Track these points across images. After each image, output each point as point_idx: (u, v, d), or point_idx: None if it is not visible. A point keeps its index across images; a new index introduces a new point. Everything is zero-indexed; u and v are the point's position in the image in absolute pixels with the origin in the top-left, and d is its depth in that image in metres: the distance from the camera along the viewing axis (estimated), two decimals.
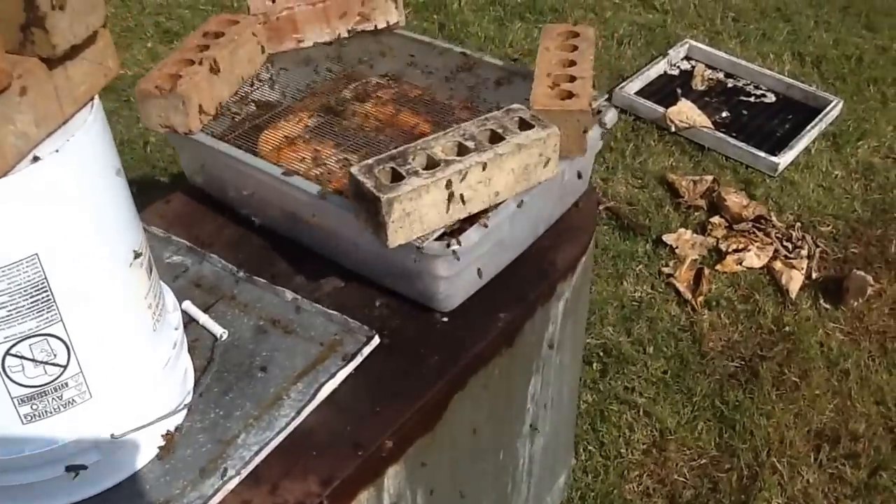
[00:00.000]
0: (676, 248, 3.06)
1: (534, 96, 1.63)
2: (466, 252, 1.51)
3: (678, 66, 4.07)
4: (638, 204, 3.32)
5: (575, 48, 1.78)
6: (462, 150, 1.51)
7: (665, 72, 4.01)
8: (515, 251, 1.71)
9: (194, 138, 1.74)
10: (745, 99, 3.82)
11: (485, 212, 1.55)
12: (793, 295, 2.98)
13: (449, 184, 1.45)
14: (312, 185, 1.59)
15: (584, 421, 2.57)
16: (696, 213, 3.27)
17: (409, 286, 1.62)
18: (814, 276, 3.08)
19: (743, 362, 2.81)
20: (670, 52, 4.04)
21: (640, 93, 3.82)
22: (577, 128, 1.61)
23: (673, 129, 3.57)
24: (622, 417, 2.61)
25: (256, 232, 1.81)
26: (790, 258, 3.10)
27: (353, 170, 1.45)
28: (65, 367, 1.18)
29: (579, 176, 1.79)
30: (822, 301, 3.00)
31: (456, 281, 1.58)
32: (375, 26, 2.09)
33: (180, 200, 1.92)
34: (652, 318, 2.92)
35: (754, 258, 3.06)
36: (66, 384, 1.19)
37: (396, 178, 1.45)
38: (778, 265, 3.02)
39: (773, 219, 3.19)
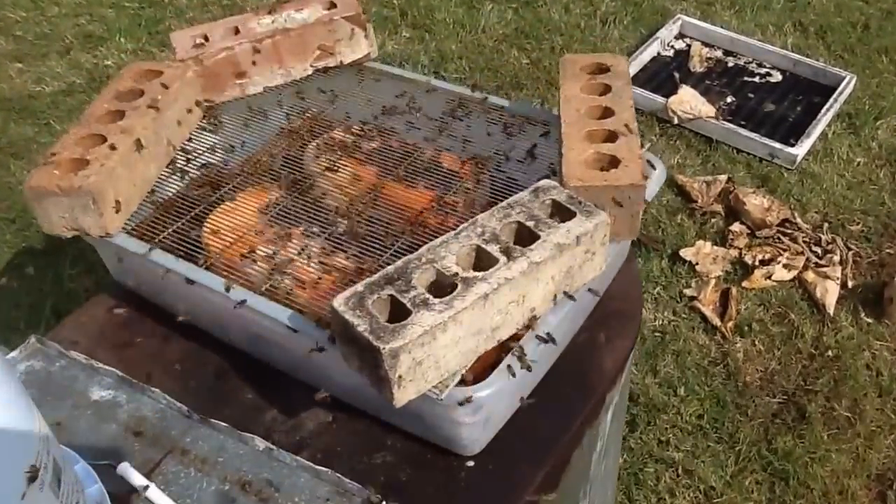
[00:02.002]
0: (697, 264, 2.71)
1: (567, 167, 1.24)
2: (496, 395, 1.13)
3: (672, 46, 3.68)
4: (647, 213, 2.95)
5: (607, 89, 1.39)
6: (483, 259, 1.12)
7: (659, 53, 3.63)
8: (554, 358, 1.33)
9: (114, 242, 1.33)
10: (749, 80, 3.46)
11: (516, 336, 1.16)
12: (830, 310, 2.64)
13: (472, 314, 1.06)
14: (280, 310, 1.19)
15: (618, 489, 2.22)
16: (713, 220, 2.91)
17: (422, 427, 1.24)
18: (850, 284, 2.74)
19: (786, 397, 2.47)
20: (662, 30, 3.65)
21: (634, 81, 3.43)
22: (628, 206, 1.23)
23: (675, 120, 3.21)
24: (660, 480, 2.26)
25: (209, 346, 1.42)
26: (822, 266, 2.74)
27: (337, 303, 1.06)
28: None
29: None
30: (862, 314, 2.67)
31: (483, 422, 1.20)
32: (341, 62, 1.68)
33: (105, 306, 1.51)
34: (678, 351, 2.57)
35: (784, 270, 2.71)
36: None
37: (398, 311, 1.06)
38: (810, 276, 2.68)
39: (799, 221, 2.85)
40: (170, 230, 1.38)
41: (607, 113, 1.34)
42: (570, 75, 1.42)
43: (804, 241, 2.83)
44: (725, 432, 2.39)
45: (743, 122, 3.27)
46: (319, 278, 1.26)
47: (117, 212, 1.34)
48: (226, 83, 1.60)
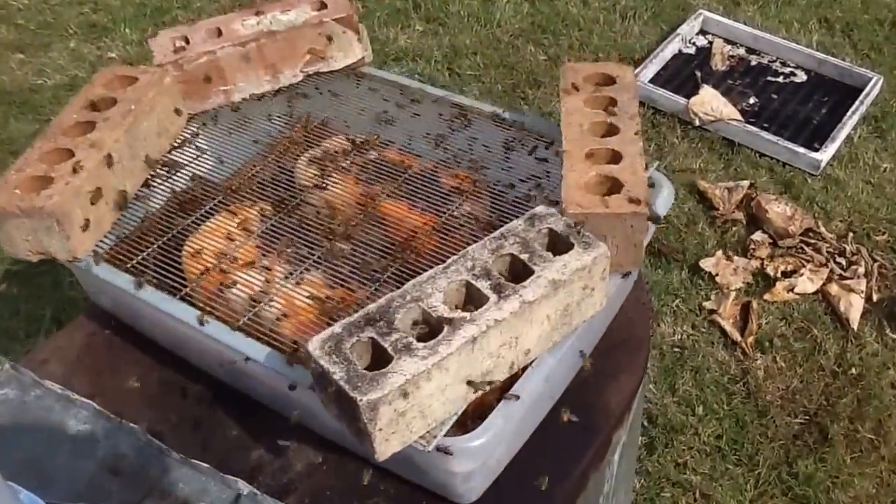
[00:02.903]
0: (717, 275, 2.60)
1: (566, 192, 1.14)
2: (490, 444, 1.03)
3: (694, 43, 3.55)
4: (667, 221, 2.83)
5: (612, 103, 1.29)
6: (473, 296, 1.03)
7: (680, 51, 3.50)
8: (555, 397, 1.24)
9: (83, 268, 1.25)
10: (772, 79, 3.33)
11: (511, 379, 1.07)
12: (854, 325, 2.52)
13: (459, 360, 0.97)
14: (258, 348, 1.11)
15: None
16: (734, 229, 2.79)
17: (414, 473, 1.15)
18: (875, 297, 2.61)
19: (808, 418, 2.36)
20: (684, 27, 3.52)
21: (655, 79, 3.31)
22: (629, 236, 1.13)
23: (697, 122, 3.09)
24: None
25: (191, 375, 1.34)
26: (846, 278, 2.62)
27: (313, 347, 0.97)
28: None
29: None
30: (888, 330, 2.54)
31: (478, 471, 1.10)
32: (334, 67, 1.59)
33: (84, 331, 1.43)
34: (697, 367, 2.46)
35: (807, 282, 2.59)
36: None
37: (379, 356, 0.97)
38: (834, 289, 2.56)
39: (823, 230, 2.73)
40: (146, 253, 1.30)
41: (611, 130, 1.24)
42: (572, 86, 1.32)
43: (828, 252, 2.71)
44: (745, 454, 2.28)
45: (766, 125, 3.14)
46: (305, 308, 1.17)
47: (86, 231, 1.26)
48: (208, 90, 1.51)
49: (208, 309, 1.18)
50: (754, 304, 2.59)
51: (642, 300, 1.39)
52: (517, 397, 1.04)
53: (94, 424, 1.30)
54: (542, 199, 1.22)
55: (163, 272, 1.24)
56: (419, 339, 0.98)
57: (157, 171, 1.40)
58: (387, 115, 1.51)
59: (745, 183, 2.93)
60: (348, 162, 1.39)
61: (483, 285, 1.03)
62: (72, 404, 1.32)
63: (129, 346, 1.40)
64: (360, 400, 0.91)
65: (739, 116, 3.13)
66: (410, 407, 0.95)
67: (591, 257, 1.04)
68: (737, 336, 2.53)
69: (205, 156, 1.44)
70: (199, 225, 1.33)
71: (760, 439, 2.31)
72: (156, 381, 1.35)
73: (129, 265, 1.26)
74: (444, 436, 1.00)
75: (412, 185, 1.34)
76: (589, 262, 1.04)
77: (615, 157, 1.18)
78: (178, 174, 1.41)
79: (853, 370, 2.45)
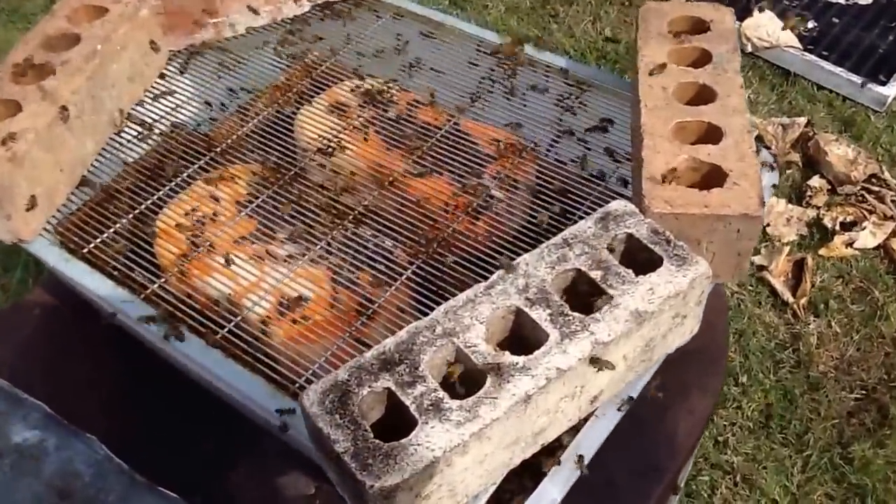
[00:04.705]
0: (768, 225, 2.32)
1: (648, 183, 0.87)
2: None
3: None
4: None
5: (705, 56, 0.99)
6: (525, 328, 0.77)
7: None
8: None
9: (31, 251, 0.99)
10: (833, 1, 2.97)
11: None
12: None
13: (506, 425, 0.72)
14: (242, 375, 0.86)
15: None
16: (788, 172, 2.50)
17: None
18: None
19: (865, 393, 2.12)
20: None
21: None
22: (733, 243, 0.86)
23: (749, 48, 2.77)
24: (715, 491, 1.94)
25: (163, 371, 1.10)
26: None
27: (309, 401, 0.72)
28: None
29: None
30: None
31: None
32: None
33: (39, 308, 1.19)
34: (742, 331, 2.21)
35: (869, 236, 2.31)
36: None
37: (397, 416, 0.72)
38: None
39: (888, 176, 2.44)
40: (109, 231, 1.04)
41: (706, 95, 0.96)
42: (653, 34, 1.02)
43: (893, 202, 2.43)
44: (793, 433, 2.05)
45: (825, 53, 2.82)
46: (304, 316, 0.92)
47: (32, 209, 1.00)
48: (194, 23, 1.22)
49: (181, 312, 0.92)
50: (809, 260, 2.32)
51: (718, 294, 1.13)
52: (580, 460, 0.79)
53: (44, 431, 1.07)
54: (613, 181, 0.95)
55: (128, 258, 0.99)
56: (451, 389, 0.72)
57: (127, 126, 1.12)
58: (411, 57, 1.22)
59: (802, 120, 2.63)
60: (362, 118, 1.11)
61: (540, 315, 0.76)
62: (18, 404, 1.09)
63: (90, 331, 1.15)
64: (371, 487, 0.66)
65: (797, 43, 2.81)
66: (437, 487, 0.70)
67: (687, 280, 0.78)
68: (788, 296, 2.28)
69: (186, 107, 1.17)
70: (175, 194, 1.06)
71: (811, 416, 2.08)
72: (121, 377, 1.11)
73: (85, 249, 1.00)
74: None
75: (442, 151, 1.07)
76: (685, 286, 0.77)
77: (713, 134, 0.90)
78: (153, 130, 1.13)
79: None
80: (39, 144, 1.00)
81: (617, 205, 0.85)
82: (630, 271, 0.79)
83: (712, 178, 0.87)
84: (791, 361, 2.20)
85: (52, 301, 1.21)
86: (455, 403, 0.71)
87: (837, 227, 2.41)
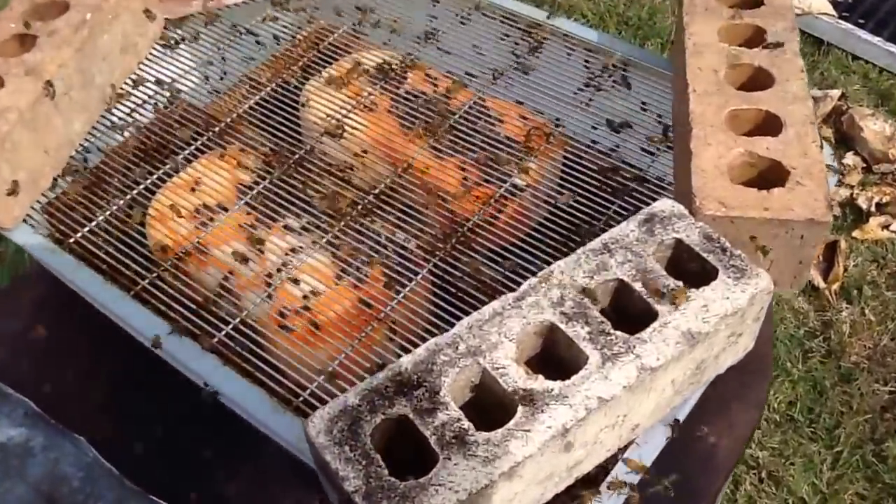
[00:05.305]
0: None
1: (699, 179, 0.77)
2: None
3: None
4: None
5: (760, 34, 0.89)
6: (560, 346, 0.67)
7: None
8: None
9: (13, 239, 0.90)
10: None
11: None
12: None
13: (541, 462, 0.63)
14: (239, 385, 0.77)
15: None
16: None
17: None
18: None
19: None
20: None
21: None
22: (796, 250, 0.76)
23: None
24: (739, 487, 1.86)
25: (161, 368, 1.00)
26: None
27: (314, 430, 0.63)
28: None
29: None
30: None
31: None
32: None
33: (29, 294, 1.10)
34: (769, 317, 2.11)
35: None
36: None
37: (413, 443, 0.63)
38: None
39: None
40: (98, 219, 0.95)
41: (762, 79, 0.85)
42: (700, 9, 0.91)
43: None
44: (822, 427, 1.96)
45: (861, 21, 2.71)
46: (309, 319, 0.83)
47: (13, 194, 0.90)
48: None
49: (174, 312, 0.84)
50: (842, 243, 2.23)
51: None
52: (625, 488, 0.70)
53: (31, 429, 1.00)
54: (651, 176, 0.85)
55: (119, 249, 0.89)
56: (475, 414, 0.63)
57: (118, 103, 1.03)
58: (429, 27, 1.11)
59: (835, 92, 2.53)
60: (374, 95, 1.01)
61: (578, 333, 0.67)
62: (5, 401, 1.01)
63: (87, 316, 1.05)
64: None
65: (831, 10, 2.71)
66: None
67: (746, 295, 0.68)
68: (819, 281, 2.19)
69: (183, 80, 1.07)
70: (170, 177, 0.97)
71: (842, 409, 2.00)
72: (116, 375, 1.02)
73: (73, 238, 0.91)
74: None
75: (463, 133, 0.96)
76: (744, 303, 0.68)
77: (771, 124, 0.80)
78: (146, 107, 1.03)
79: None
80: (22, 124, 0.91)
81: (663, 205, 0.75)
82: (680, 284, 0.70)
83: (771, 175, 0.77)
84: (821, 351, 2.10)
85: (46, 285, 1.13)
86: (482, 436, 0.62)
87: (873, 208, 2.32)
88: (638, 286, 0.70)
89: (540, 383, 0.65)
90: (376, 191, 0.94)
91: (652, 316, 0.68)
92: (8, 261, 2.11)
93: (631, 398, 0.66)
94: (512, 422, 0.63)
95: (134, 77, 1.08)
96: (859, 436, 1.96)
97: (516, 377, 0.65)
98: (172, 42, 1.12)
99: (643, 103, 1.00)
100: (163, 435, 1.02)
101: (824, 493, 1.88)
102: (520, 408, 0.64)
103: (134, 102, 1.06)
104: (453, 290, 0.85)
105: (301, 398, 0.80)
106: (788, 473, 1.90)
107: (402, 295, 0.85)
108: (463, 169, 0.94)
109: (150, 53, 1.10)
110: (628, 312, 0.70)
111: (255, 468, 0.98)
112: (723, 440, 0.96)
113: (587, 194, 0.91)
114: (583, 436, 0.65)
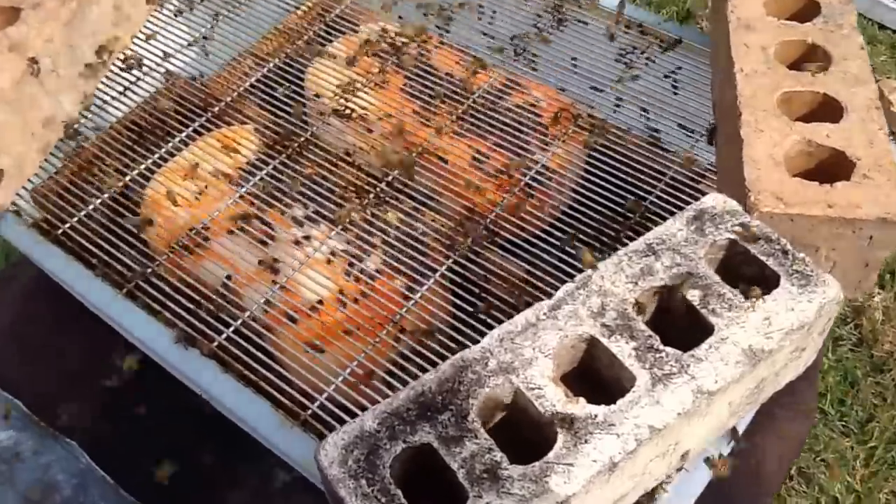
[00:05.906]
0: None
1: (752, 171, 0.68)
2: None
3: None
4: None
5: (814, 8, 0.80)
6: (602, 366, 0.59)
7: None
8: None
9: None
10: None
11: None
12: None
13: (584, 499, 0.55)
14: (241, 395, 0.70)
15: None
16: None
17: None
18: None
19: None
20: None
21: None
22: (862, 252, 0.67)
23: None
24: None
25: (158, 367, 0.93)
26: None
27: (327, 459, 0.56)
28: None
29: None
30: None
31: None
32: None
33: (23, 280, 1.03)
34: None
35: None
36: None
37: (437, 467, 0.55)
38: None
39: None
40: (89, 208, 0.87)
41: (817, 58, 0.76)
42: None
43: None
44: (854, 421, 1.88)
45: None
46: (316, 323, 0.75)
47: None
48: None
49: (171, 311, 0.76)
50: None
51: None
52: None
53: (20, 431, 0.94)
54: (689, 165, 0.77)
55: (110, 242, 0.82)
56: (505, 438, 0.55)
57: (110, 80, 0.95)
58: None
59: None
60: (385, 73, 0.92)
61: (623, 350, 0.59)
62: None
63: (80, 312, 0.97)
64: None
65: None
66: None
67: (814, 307, 0.60)
68: None
69: (180, 56, 0.98)
70: (165, 161, 0.89)
71: (875, 402, 1.92)
72: (112, 370, 0.95)
73: (62, 228, 0.83)
74: None
75: (481, 116, 0.88)
76: (811, 316, 0.59)
77: (829, 108, 0.71)
78: (139, 85, 0.95)
79: None
80: (5, 105, 0.82)
81: (713, 200, 0.66)
82: (738, 293, 0.61)
83: (833, 166, 0.68)
84: (852, 339, 2.02)
85: (38, 276, 1.05)
86: (517, 471, 0.54)
87: None
88: (690, 295, 0.61)
89: (581, 407, 0.57)
90: (389, 178, 0.86)
91: (706, 330, 0.60)
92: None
93: (685, 425, 0.58)
94: (552, 453, 0.55)
95: (127, 52, 1.00)
96: (894, 430, 1.88)
97: (554, 399, 0.57)
98: (168, 14, 1.04)
99: (674, 81, 0.92)
100: (159, 440, 0.95)
101: (858, 491, 1.80)
102: (559, 436, 0.56)
103: (127, 80, 0.98)
104: (475, 290, 0.77)
105: (309, 411, 0.73)
106: (819, 471, 1.82)
107: (418, 295, 0.77)
108: (483, 153, 0.86)
109: (145, 27, 1.02)
110: (676, 324, 0.62)
111: (258, 476, 0.91)
112: (771, 452, 0.88)
113: (620, 182, 0.83)
114: (631, 468, 0.57)
